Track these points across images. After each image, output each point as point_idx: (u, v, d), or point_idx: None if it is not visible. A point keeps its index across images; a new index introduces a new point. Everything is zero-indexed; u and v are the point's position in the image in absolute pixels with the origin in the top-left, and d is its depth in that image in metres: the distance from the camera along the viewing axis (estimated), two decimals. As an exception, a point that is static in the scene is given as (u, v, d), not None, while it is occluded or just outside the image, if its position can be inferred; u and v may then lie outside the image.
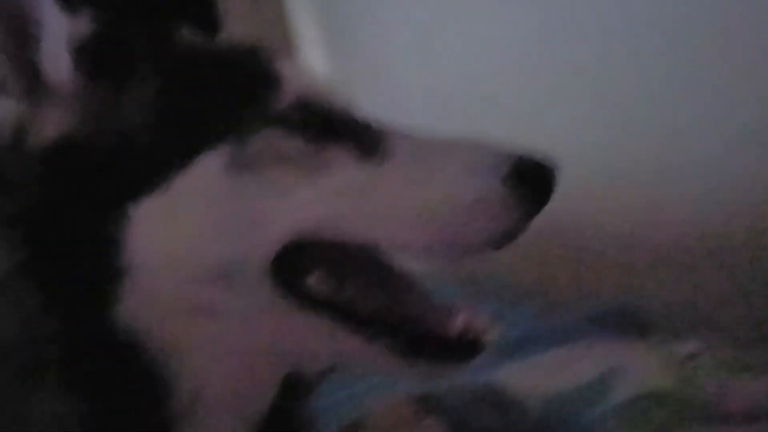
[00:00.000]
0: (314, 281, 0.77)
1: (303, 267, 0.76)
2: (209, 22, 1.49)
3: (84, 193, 0.74)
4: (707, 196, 1.58)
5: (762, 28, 1.47)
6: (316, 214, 0.75)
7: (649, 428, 1.01)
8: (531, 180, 0.76)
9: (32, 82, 0.76)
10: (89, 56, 0.78)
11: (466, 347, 0.79)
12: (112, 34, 0.80)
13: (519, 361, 1.32)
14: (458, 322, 0.79)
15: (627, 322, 1.47)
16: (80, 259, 0.73)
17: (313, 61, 2.37)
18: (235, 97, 0.78)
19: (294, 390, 0.85)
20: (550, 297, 1.70)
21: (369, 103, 0.87)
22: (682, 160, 1.61)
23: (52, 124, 0.76)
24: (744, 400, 1.07)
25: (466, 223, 0.75)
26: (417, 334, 0.78)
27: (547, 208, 0.78)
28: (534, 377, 1.21)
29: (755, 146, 1.52)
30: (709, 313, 1.50)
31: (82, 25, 0.79)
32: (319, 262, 0.77)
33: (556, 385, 1.16)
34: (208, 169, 0.74)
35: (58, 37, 0.77)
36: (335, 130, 0.79)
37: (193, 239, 0.74)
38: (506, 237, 0.76)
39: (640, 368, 1.18)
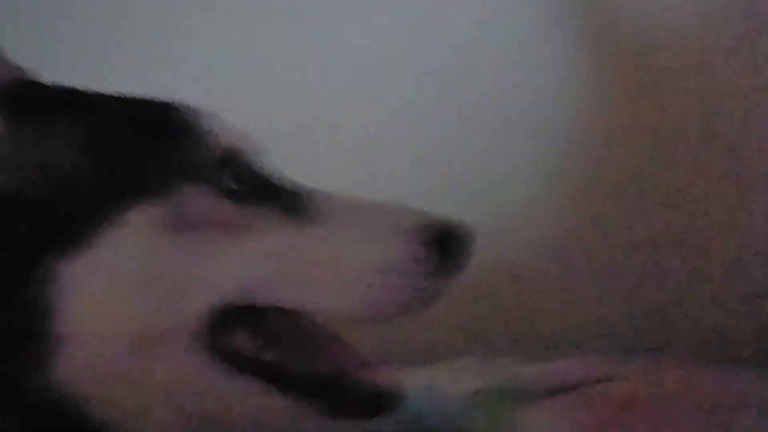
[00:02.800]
0: (239, 342, 0.77)
1: (227, 329, 0.76)
2: None
3: (8, 248, 0.71)
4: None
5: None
6: (243, 279, 0.75)
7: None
8: (449, 246, 0.80)
9: None
10: (10, 100, 0.76)
11: (387, 400, 0.81)
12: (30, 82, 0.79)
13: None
14: (380, 376, 0.82)
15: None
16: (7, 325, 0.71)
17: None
18: (160, 150, 0.77)
19: None
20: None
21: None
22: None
23: None
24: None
25: (388, 288, 0.78)
26: (341, 392, 0.80)
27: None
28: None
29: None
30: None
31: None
32: (242, 324, 0.77)
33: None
34: (138, 227, 0.72)
35: None
36: (261, 190, 0.80)
37: (123, 307, 0.72)
38: (424, 302, 0.80)
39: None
